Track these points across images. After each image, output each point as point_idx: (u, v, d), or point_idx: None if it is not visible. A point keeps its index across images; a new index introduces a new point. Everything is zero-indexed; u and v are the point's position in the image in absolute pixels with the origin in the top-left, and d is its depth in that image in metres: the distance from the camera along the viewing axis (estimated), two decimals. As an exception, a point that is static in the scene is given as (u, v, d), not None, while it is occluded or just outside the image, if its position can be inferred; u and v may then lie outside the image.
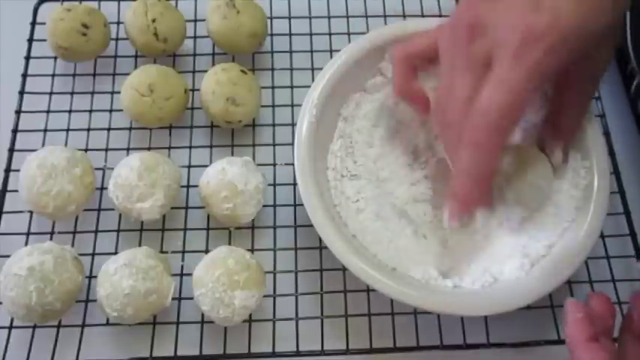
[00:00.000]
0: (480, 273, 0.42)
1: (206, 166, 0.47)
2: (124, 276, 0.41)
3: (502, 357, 0.45)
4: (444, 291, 0.41)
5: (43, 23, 0.53)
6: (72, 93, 0.53)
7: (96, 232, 0.48)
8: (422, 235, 0.45)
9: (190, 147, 0.51)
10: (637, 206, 0.49)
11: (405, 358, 0.44)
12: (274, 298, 0.45)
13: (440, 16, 0.56)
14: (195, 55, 0.55)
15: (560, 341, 0.44)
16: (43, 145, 0.50)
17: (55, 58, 0.54)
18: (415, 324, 0.45)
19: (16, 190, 0.46)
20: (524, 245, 0.42)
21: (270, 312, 0.45)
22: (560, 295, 0.43)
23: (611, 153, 0.51)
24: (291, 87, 0.54)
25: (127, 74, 0.50)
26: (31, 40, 0.55)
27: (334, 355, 0.44)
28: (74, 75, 0.54)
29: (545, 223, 0.43)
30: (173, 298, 0.43)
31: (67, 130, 0.51)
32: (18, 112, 0.52)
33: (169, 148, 0.51)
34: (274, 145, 0.51)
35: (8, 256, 0.42)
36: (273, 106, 0.53)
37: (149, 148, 0.51)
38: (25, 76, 0.53)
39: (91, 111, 0.52)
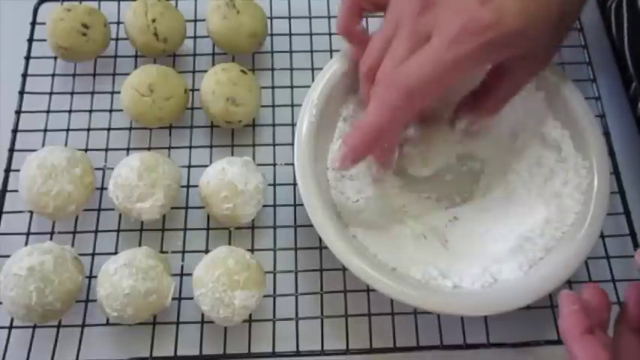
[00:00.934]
0: (479, 273, 0.42)
1: (206, 166, 0.47)
2: (124, 276, 0.41)
3: (502, 357, 0.45)
4: (444, 291, 0.41)
5: (43, 23, 0.53)
6: (72, 93, 0.53)
7: (96, 232, 0.48)
8: (422, 235, 0.45)
9: (190, 147, 0.51)
10: (637, 206, 0.49)
11: (405, 358, 0.44)
12: (274, 298, 0.45)
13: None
14: (195, 55, 0.55)
15: (561, 341, 0.44)
16: (43, 145, 0.50)
17: (55, 58, 0.54)
18: (415, 324, 0.45)
19: (16, 190, 0.46)
20: (524, 245, 0.42)
21: (270, 312, 0.45)
22: (561, 295, 0.43)
23: (611, 153, 0.50)
24: (291, 87, 0.54)
25: (127, 74, 0.50)
26: (31, 40, 0.54)
27: (334, 355, 0.44)
28: (74, 75, 0.54)
29: (545, 223, 0.43)
30: (173, 298, 0.43)
31: (67, 130, 0.51)
32: (18, 112, 0.52)
33: (169, 148, 0.51)
34: (274, 145, 0.51)
35: (8, 256, 0.42)
36: (273, 106, 0.53)
37: (149, 148, 0.51)
38: (25, 76, 0.53)
39: (91, 111, 0.52)
